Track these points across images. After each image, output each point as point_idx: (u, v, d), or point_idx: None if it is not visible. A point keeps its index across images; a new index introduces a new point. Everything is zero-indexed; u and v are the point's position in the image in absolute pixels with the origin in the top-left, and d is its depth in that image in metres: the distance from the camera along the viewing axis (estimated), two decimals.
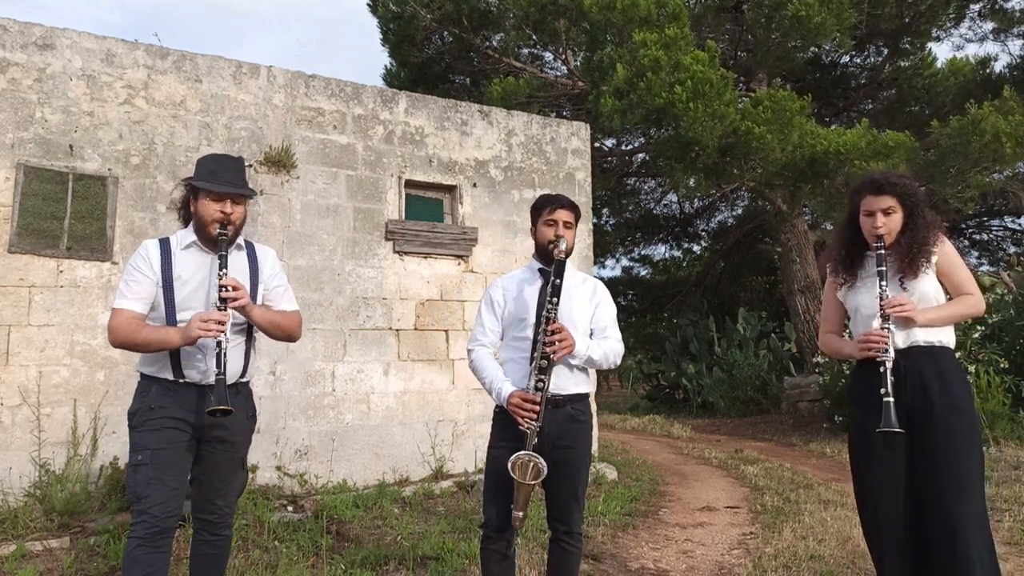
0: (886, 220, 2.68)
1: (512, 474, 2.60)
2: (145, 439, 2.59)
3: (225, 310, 2.57)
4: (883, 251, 2.67)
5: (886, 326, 2.60)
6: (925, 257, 2.66)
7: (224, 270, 2.61)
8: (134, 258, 2.69)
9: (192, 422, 2.65)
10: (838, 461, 7.71)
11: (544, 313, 2.68)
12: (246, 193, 2.76)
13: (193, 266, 2.72)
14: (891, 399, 2.51)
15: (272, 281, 2.89)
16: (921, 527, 2.57)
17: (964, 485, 2.49)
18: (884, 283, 2.63)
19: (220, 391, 2.51)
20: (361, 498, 5.38)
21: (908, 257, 2.67)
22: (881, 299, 2.62)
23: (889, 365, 2.56)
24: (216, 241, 2.67)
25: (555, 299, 2.68)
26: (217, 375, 2.53)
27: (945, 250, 2.72)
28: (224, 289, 2.58)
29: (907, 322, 2.63)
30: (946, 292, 2.77)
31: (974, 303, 2.72)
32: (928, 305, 2.67)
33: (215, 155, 2.86)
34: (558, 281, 2.70)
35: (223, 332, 2.54)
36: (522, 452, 2.62)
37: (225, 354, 2.55)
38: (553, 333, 2.64)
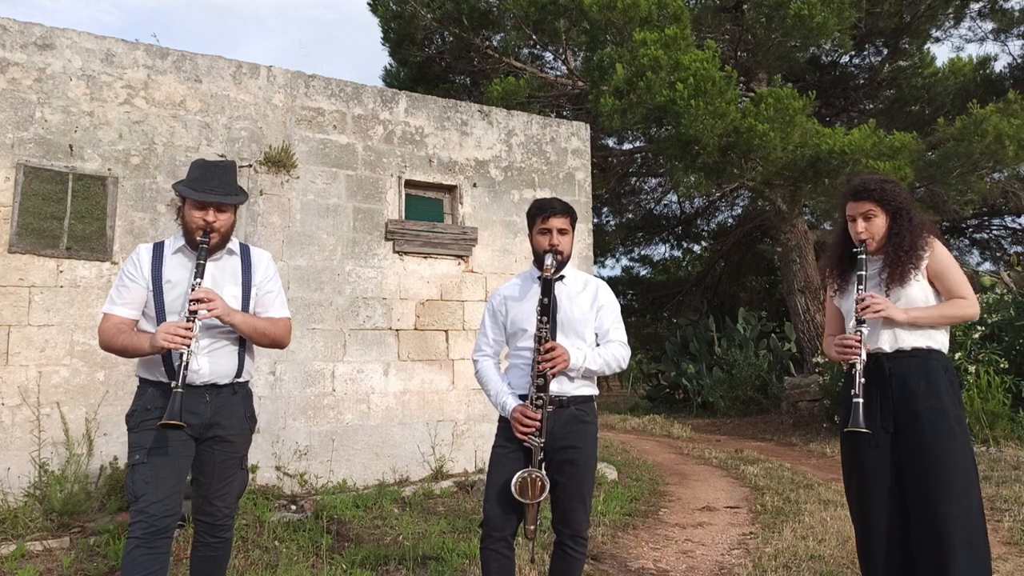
0: (867, 224, 2.71)
1: (518, 497, 2.65)
2: (142, 439, 2.63)
3: (193, 321, 2.54)
4: (863, 255, 2.70)
5: (859, 328, 2.62)
6: (913, 263, 2.66)
7: (199, 279, 2.61)
8: (125, 264, 2.75)
9: (189, 423, 2.64)
10: (838, 461, 7.62)
11: (536, 332, 2.72)
12: (229, 202, 2.72)
13: (181, 270, 2.73)
14: (860, 400, 2.54)
15: (264, 286, 2.87)
16: (908, 527, 2.57)
17: (947, 486, 2.48)
18: (862, 287, 2.66)
19: (173, 405, 2.45)
20: (361, 498, 5.38)
21: (896, 263, 2.67)
22: (857, 302, 2.64)
23: (859, 367, 2.57)
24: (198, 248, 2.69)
25: (545, 318, 2.72)
26: (174, 387, 2.48)
27: (936, 253, 2.69)
28: (192, 303, 2.55)
29: (890, 322, 2.63)
30: (939, 295, 2.74)
31: (965, 306, 2.67)
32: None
33: (204, 161, 2.83)
34: (546, 300, 2.73)
35: (187, 344, 2.50)
36: (523, 471, 2.67)
37: (187, 366, 2.51)
38: (547, 352, 2.68)
